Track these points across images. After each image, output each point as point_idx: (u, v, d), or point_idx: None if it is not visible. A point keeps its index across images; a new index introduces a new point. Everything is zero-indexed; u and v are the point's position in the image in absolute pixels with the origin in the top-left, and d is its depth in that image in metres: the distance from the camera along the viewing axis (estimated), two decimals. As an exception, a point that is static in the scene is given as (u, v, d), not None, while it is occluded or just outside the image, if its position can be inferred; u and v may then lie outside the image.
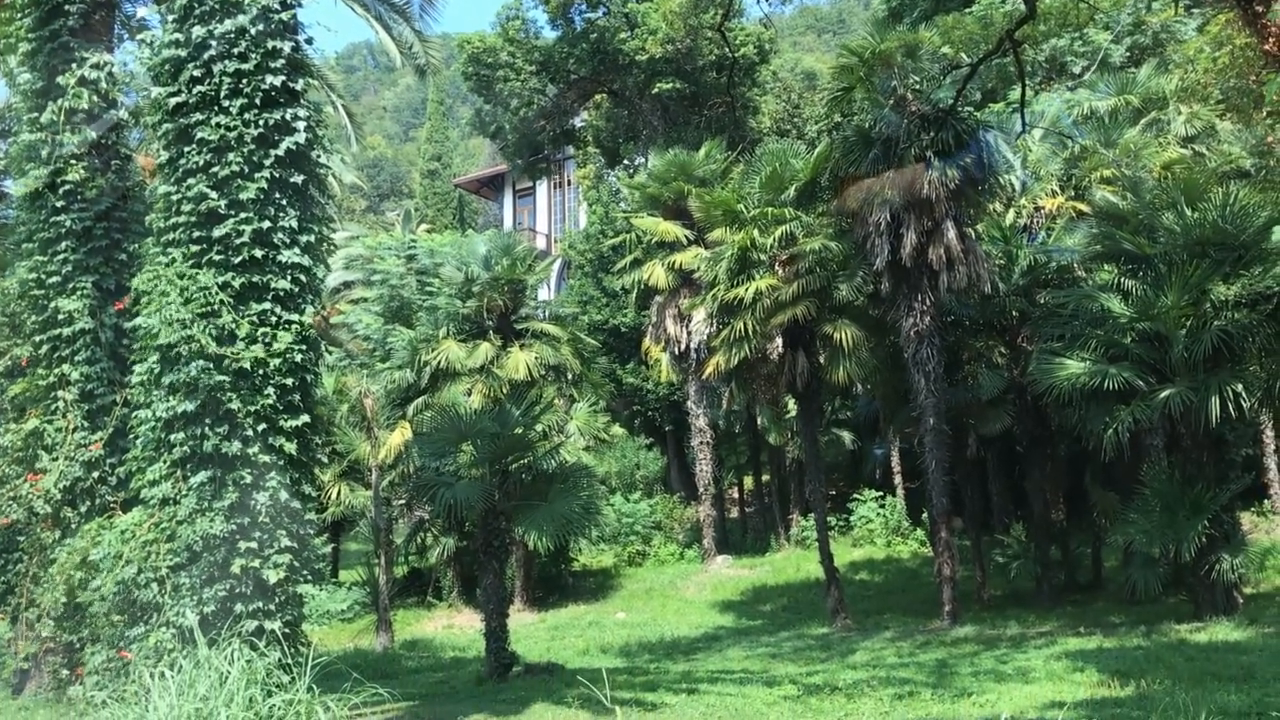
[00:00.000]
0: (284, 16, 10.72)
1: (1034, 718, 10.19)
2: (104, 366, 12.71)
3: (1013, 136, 22.08)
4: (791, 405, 28.34)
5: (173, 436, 9.90)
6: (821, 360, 22.23)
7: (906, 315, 20.89)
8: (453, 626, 26.30)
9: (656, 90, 39.77)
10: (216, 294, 9.94)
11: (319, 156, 11.01)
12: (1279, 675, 11.48)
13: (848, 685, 12.99)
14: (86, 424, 12.58)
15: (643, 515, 33.15)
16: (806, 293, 21.46)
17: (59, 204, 12.80)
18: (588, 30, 40.98)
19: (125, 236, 13.10)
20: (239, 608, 9.67)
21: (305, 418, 10.40)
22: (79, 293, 12.72)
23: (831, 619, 21.81)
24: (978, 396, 22.55)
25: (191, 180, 10.25)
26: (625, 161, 43.25)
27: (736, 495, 39.09)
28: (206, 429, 9.82)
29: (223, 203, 10.18)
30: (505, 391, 24.55)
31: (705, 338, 24.41)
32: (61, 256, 12.79)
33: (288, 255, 10.39)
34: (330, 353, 28.88)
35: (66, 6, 13.06)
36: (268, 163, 10.36)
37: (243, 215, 10.19)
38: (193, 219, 10.22)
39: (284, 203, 10.47)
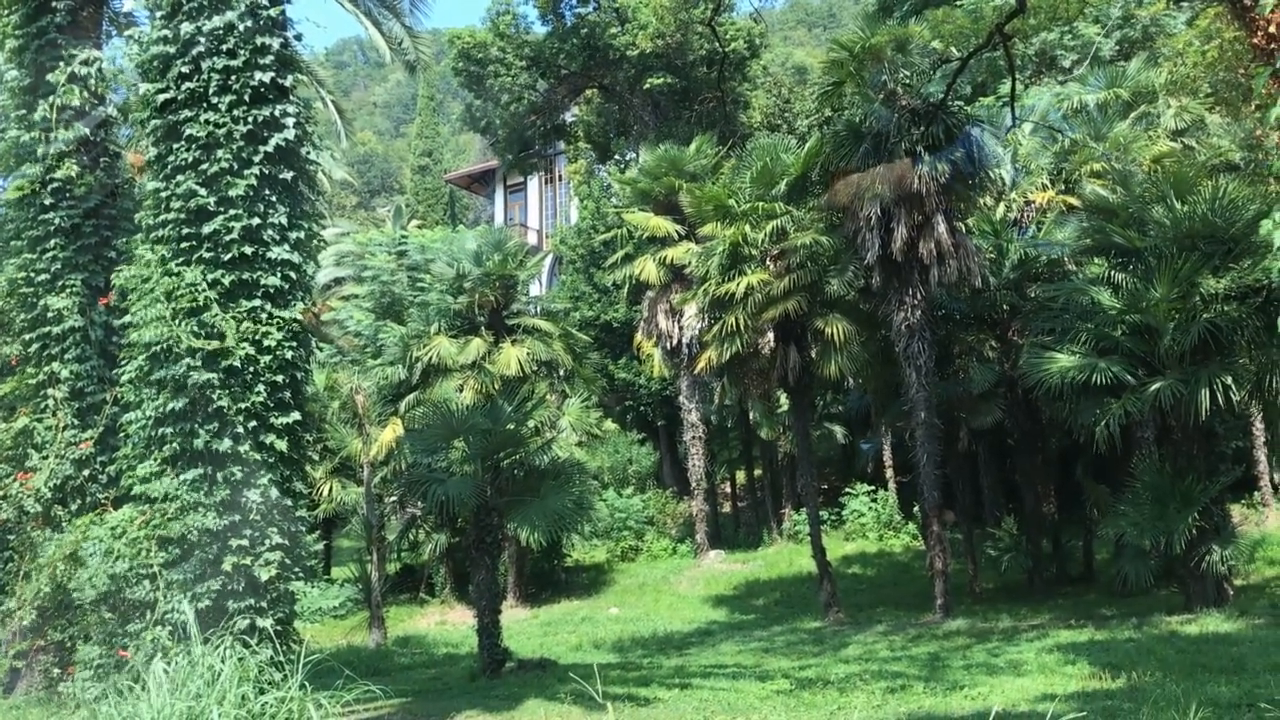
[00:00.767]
0: (272, 13, 10.70)
1: (1026, 710, 10.22)
2: (94, 364, 12.67)
3: (1003, 131, 22.11)
4: (783, 400, 28.37)
5: (163, 434, 9.88)
6: (813, 355, 22.25)
7: (897, 309, 20.91)
8: (445, 623, 26.31)
9: (647, 85, 39.75)
10: (204, 291, 9.91)
11: (308, 153, 10.99)
12: (1269, 666, 11.51)
13: (840, 679, 13.01)
14: (77, 422, 12.54)
15: (635, 510, 33.18)
16: (798, 287, 21.47)
17: (48, 201, 12.75)
18: (578, 25, 40.92)
19: (114, 234, 13.05)
20: (231, 605, 9.66)
21: (296, 415, 10.39)
22: (68, 290, 12.67)
23: (824, 613, 21.85)
24: (969, 390, 22.60)
25: (180, 177, 10.23)
26: (616, 157, 43.23)
27: (729, 490, 39.14)
28: (197, 426, 9.81)
29: (212, 199, 10.16)
30: (497, 387, 24.55)
31: (697, 333, 24.41)
32: (51, 254, 12.74)
33: (277, 252, 10.37)
34: (321, 349, 28.82)
35: (54, 3, 13.00)
36: (257, 159, 10.34)
37: (232, 212, 10.17)
38: (182, 216, 10.19)
39: (273, 199, 10.45)
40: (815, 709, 11.28)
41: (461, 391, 25.31)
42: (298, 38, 11.16)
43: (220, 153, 10.21)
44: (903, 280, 20.84)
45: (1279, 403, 18.38)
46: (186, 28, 10.28)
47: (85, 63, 12.98)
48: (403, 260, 34.59)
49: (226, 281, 10.10)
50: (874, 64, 21.05)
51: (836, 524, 31.54)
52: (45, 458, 12.31)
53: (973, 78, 31.00)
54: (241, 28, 10.38)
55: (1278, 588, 19.67)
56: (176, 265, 10.11)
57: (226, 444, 9.79)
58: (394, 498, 27.18)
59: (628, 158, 42.05)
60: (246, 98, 10.36)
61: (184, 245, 10.16)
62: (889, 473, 32.30)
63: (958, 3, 33.24)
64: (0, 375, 13.44)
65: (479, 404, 20.17)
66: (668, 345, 28.22)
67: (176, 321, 9.78)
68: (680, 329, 26.59)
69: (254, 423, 10.01)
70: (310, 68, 17.97)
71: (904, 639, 17.96)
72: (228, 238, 10.13)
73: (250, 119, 10.35)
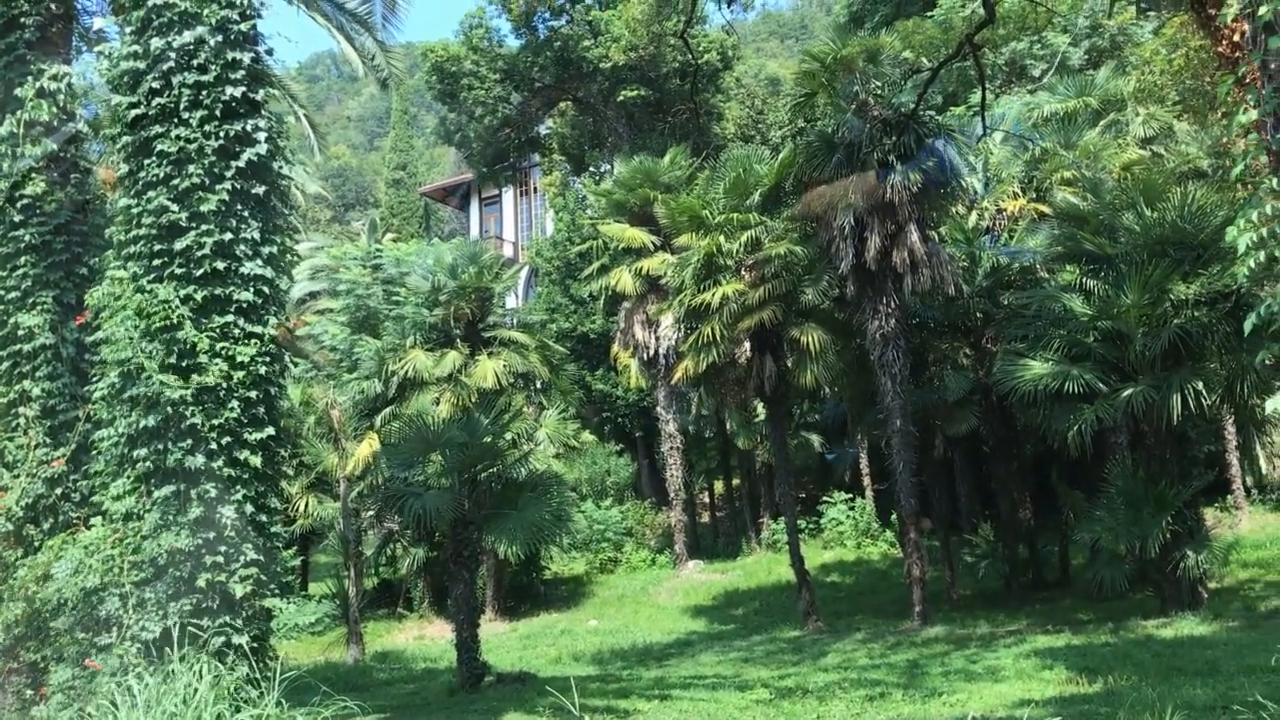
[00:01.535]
0: (243, 28, 10.65)
1: (1004, 716, 10.28)
2: (66, 382, 12.54)
3: (974, 140, 22.28)
4: (760, 409, 28.44)
5: (135, 452, 9.79)
6: (789, 364, 22.33)
7: (872, 318, 21.01)
8: (424, 637, 26.18)
9: (621, 97, 39.83)
10: (176, 308, 9.85)
11: (281, 167, 10.94)
12: (1244, 669, 11.62)
13: (819, 688, 13.04)
14: (49, 440, 12.40)
15: (614, 522, 33.13)
16: (773, 297, 21.55)
17: (17, 218, 12.62)
18: (551, 38, 40.97)
19: (85, 250, 12.93)
20: (205, 622, 9.58)
21: (270, 430, 10.32)
22: (39, 307, 12.54)
23: (803, 622, 21.88)
24: (944, 398, 22.72)
25: (151, 193, 10.16)
26: (591, 168, 43.27)
27: (707, 500, 39.14)
28: (169, 444, 9.73)
29: (183, 215, 10.09)
30: (474, 400, 24.49)
31: (673, 343, 24.47)
32: (21, 271, 12.60)
33: (250, 267, 10.31)
34: (296, 364, 28.68)
35: (23, 19, 12.90)
36: (229, 174, 10.28)
37: (204, 227, 10.11)
38: (153, 232, 10.12)
39: (246, 214, 10.40)
40: (795, 718, 11.30)
41: (438, 405, 25.22)
42: (269, 52, 11.11)
43: (192, 168, 10.15)
44: (877, 289, 20.94)
45: (1250, 407, 18.58)
46: (157, 43, 10.23)
47: (54, 78, 12.88)
48: (377, 274, 34.42)
49: (199, 297, 10.03)
50: (846, 75, 21.19)
51: (815, 532, 31.60)
52: (16, 476, 12.17)
53: (944, 87, 31.27)
54: (212, 43, 10.33)
55: (1251, 590, 19.83)
56: (148, 281, 10.04)
57: (200, 461, 9.72)
58: (371, 512, 27.02)
59: (602, 169, 42.11)
60: (218, 113, 10.31)
61: (156, 261, 10.09)
62: (866, 481, 32.39)
63: (928, 13, 33.49)
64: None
65: (455, 417, 20.10)
66: (644, 356, 28.24)
67: (148, 338, 9.71)
68: (657, 339, 26.63)
69: (227, 439, 9.94)
70: (282, 82, 17.91)
71: (883, 646, 18.00)
72: (200, 253, 10.07)
73: (222, 134, 10.30)
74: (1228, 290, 17.25)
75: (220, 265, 10.12)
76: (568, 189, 41.76)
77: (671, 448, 31.53)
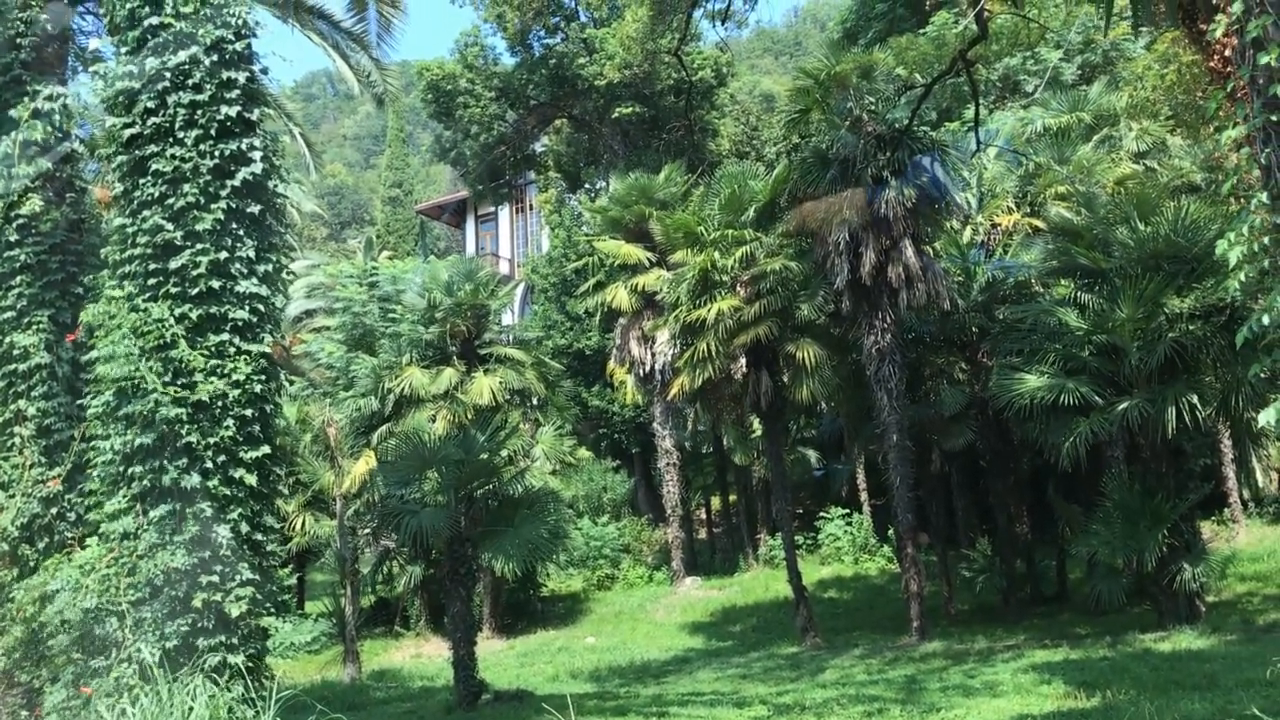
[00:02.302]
0: (238, 47, 10.71)
1: (1001, 731, 10.25)
2: (61, 401, 12.55)
3: (968, 155, 22.35)
4: (756, 425, 28.42)
5: (131, 470, 9.79)
6: (785, 379, 22.33)
7: (868, 333, 21.03)
8: (420, 655, 26.09)
9: (616, 114, 39.93)
10: (171, 326, 9.86)
11: (276, 186, 10.98)
12: (1242, 682, 11.60)
13: (817, 704, 13.00)
14: (44, 460, 12.40)
15: (611, 538, 33.07)
16: (768, 313, 21.57)
17: (13, 238, 12.65)
18: (546, 56, 41.11)
19: (81, 269, 12.96)
20: (201, 642, 9.56)
21: (266, 449, 10.33)
22: (35, 327, 12.56)
23: (801, 638, 21.83)
24: (940, 412, 22.70)
25: (147, 212, 10.19)
26: (586, 185, 43.35)
27: (704, 516, 39.07)
28: (165, 462, 9.73)
29: (179, 234, 10.13)
30: (470, 417, 24.45)
31: (669, 359, 24.46)
32: (16, 290, 12.63)
33: (245, 285, 10.34)
34: (293, 382, 28.66)
35: (18, 40, 12.96)
36: (224, 193, 10.33)
37: (199, 246, 10.14)
38: (149, 251, 10.15)
39: (241, 233, 10.43)
40: (792, 735, 11.27)
41: (434, 422, 25.19)
42: (264, 71, 11.20)
43: (187, 187, 10.19)
44: (872, 304, 20.97)
45: (1245, 420, 18.59)
46: (152, 63, 10.28)
47: (50, 98, 12.92)
48: (374, 291, 34.41)
49: (194, 316, 10.05)
50: (840, 91, 21.27)
51: (812, 548, 31.54)
52: (12, 496, 12.16)
53: (937, 103, 31.38)
54: (207, 62, 10.38)
55: (1249, 604, 19.81)
56: (144, 301, 10.06)
57: (196, 480, 9.72)
58: (367, 530, 26.97)
59: (598, 186, 42.18)
60: (213, 132, 10.36)
61: (151, 280, 10.11)
62: (863, 496, 32.36)
63: (922, 30, 33.64)
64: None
65: (452, 434, 20.07)
66: (640, 372, 28.23)
67: (144, 357, 9.71)
68: (652, 355, 26.62)
69: (223, 458, 9.95)
70: (278, 101, 17.99)
71: (881, 662, 17.96)
72: (195, 272, 10.09)
73: (217, 153, 10.34)
74: (1222, 304, 17.28)
75: (215, 284, 10.15)
76: (563, 206, 41.84)
77: (668, 464, 31.50)
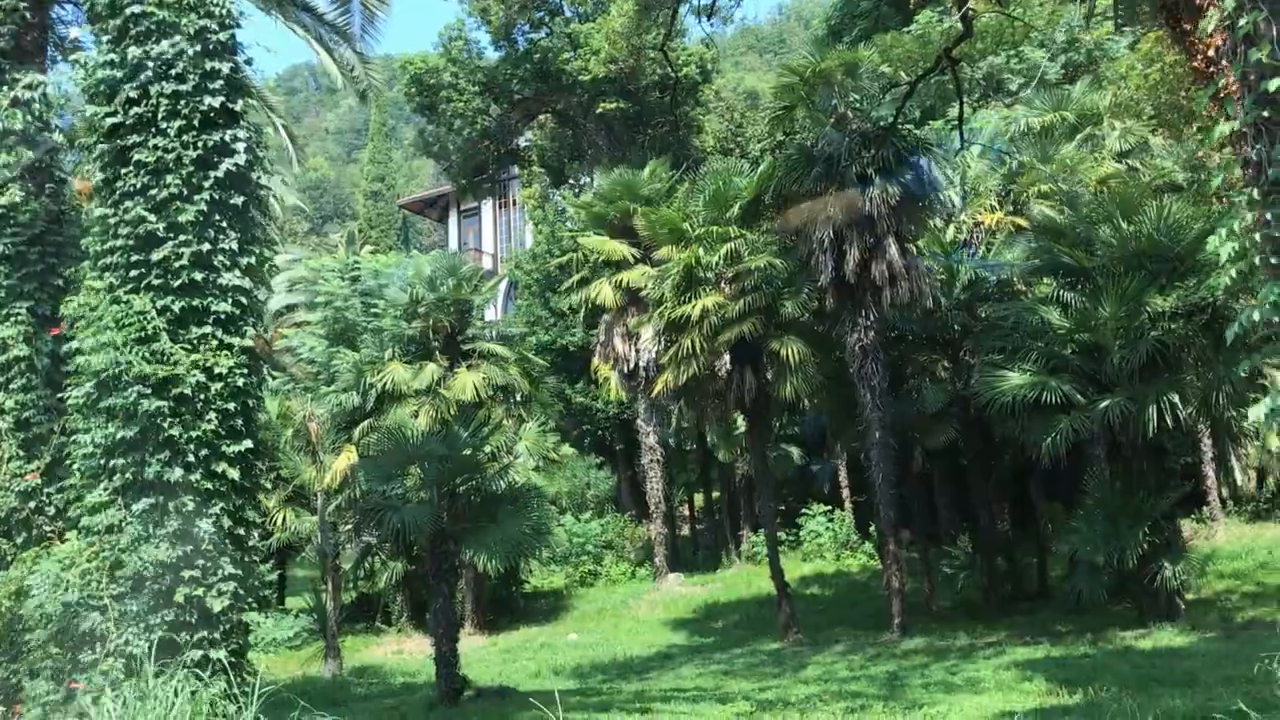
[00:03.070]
0: (222, 37, 10.59)
1: (984, 727, 10.28)
2: (40, 394, 12.41)
3: (952, 153, 22.39)
4: (740, 422, 28.42)
5: (113, 463, 9.70)
6: (769, 377, 22.33)
7: (851, 331, 21.05)
8: (402, 652, 25.99)
9: (600, 110, 39.89)
10: (153, 319, 9.76)
11: (259, 178, 10.89)
12: (1221, 679, 11.67)
13: (800, 700, 13.01)
14: (22, 453, 12.27)
15: (594, 535, 33.04)
16: (752, 310, 21.57)
17: (-9, 229, 12.52)
18: (531, 51, 41.04)
19: (61, 261, 12.81)
20: (183, 637, 9.47)
21: (248, 443, 10.25)
22: (13, 319, 12.42)
23: (783, 634, 21.85)
24: (923, 410, 22.76)
25: (129, 203, 10.08)
26: (570, 181, 43.29)
27: (687, 513, 39.08)
28: (147, 455, 9.64)
29: (161, 225, 10.02)
30: (452, 413, 24.35)
31: (653, 356, 24.42)
32: (-6, 282, 12.50)
33: (228, 278, 10.25)
34: (274, 377, 28.48)
35: (-3, 27, 12.82)
36: (207, 185, 10.22)
37: (182, 238, 10.04)
38: (130, 242, 10.04)
39: (224, 225, 10.33)
40: (776, 731, 11.27)
41: (416, 417, 25.07)
42: (248, 62, 11.07)
43: (169, 178, 10.08)
44: (856, 302, 20.99)
45: (1226, 418, 18.69)
46: (134, 52, 10.16)
47: (29, 87, 12.78)
48: (356, 286, 34.25)
49: (176, 308, 9.95)
50: (824, 88, 21.27)
51: (794, 545, 31.59)
52: (-11, 490, 12.04)
53: (922, 101, 31.43)
54: (190, 52, 10.27)
55: (1228, 601, 19.93)
56: (125, 292, 9.95)
57: (178, 473, 9.63)
58: (349, 526, 26.80)
59: (582, 182, 42.15)
60: (196, 122, 10.25)
61: (133, 272, 10.01)
62: (845, 493, 32.42)
63: (906, 28, 33.70)
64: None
65: (434, 430, 20.01)
66: (624, 369, 28.20)
67: (126, 349, 9.61)
68: (637, 352, 26.56)
69: (205, 451, 9.86)
70: (261, 93, 17.86)
71: (863, 658, 18.00)
72: (177, 264, 9.99)
73: (200, 144, 10.23)
74: (1204, 303, 17.38)
75: (198, 276, 10.06)
76: (547, 201, 41.76)
77: (652, 460, 31.47)
